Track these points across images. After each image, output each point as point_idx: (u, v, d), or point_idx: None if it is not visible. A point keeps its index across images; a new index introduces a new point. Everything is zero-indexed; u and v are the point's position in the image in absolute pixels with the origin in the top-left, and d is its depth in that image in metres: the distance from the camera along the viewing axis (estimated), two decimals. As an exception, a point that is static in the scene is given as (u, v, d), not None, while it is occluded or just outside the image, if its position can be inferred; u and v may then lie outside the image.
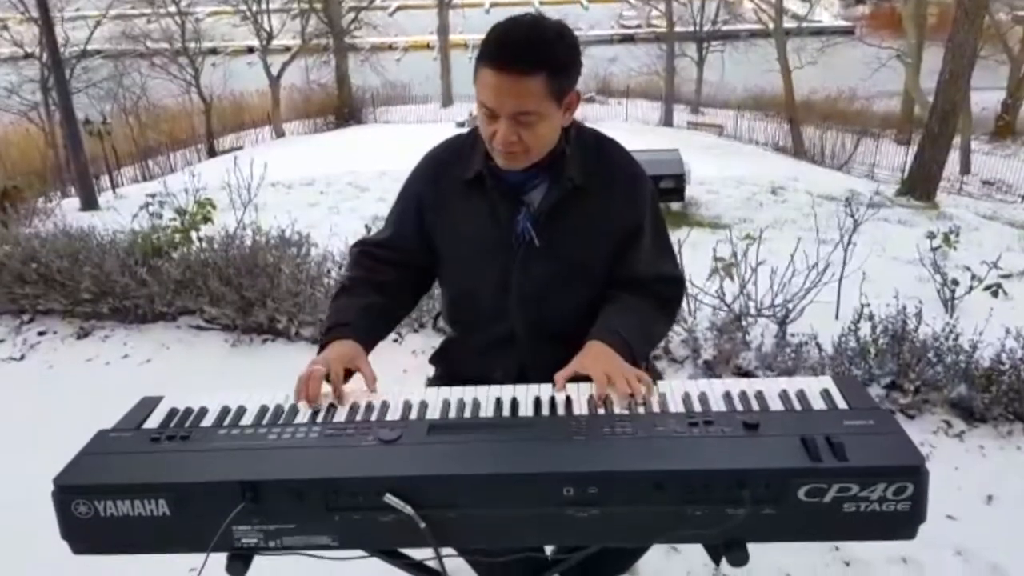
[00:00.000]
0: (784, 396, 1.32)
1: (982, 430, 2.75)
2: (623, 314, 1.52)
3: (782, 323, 3.28)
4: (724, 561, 1.20)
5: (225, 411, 1.37)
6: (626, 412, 1.30)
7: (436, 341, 3.28)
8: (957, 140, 15.38)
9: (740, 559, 1.18)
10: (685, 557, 2.14)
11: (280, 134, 24.32)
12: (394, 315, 1.65)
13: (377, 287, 1.60)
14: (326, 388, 1.40)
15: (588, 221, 1.53)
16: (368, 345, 1.52)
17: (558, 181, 1.51)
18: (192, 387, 2.98)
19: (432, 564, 1.26)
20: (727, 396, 1.33)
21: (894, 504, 1.12)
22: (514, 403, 1.35)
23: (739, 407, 1.30)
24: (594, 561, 1.44)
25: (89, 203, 11.17)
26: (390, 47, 32.60)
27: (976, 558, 2.15)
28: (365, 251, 1.67)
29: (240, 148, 22.50)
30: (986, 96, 21.03)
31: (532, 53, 1.35)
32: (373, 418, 1.33)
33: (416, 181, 1.64)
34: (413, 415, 1.33)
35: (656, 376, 1.70)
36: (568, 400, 1.35)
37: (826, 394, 1.33)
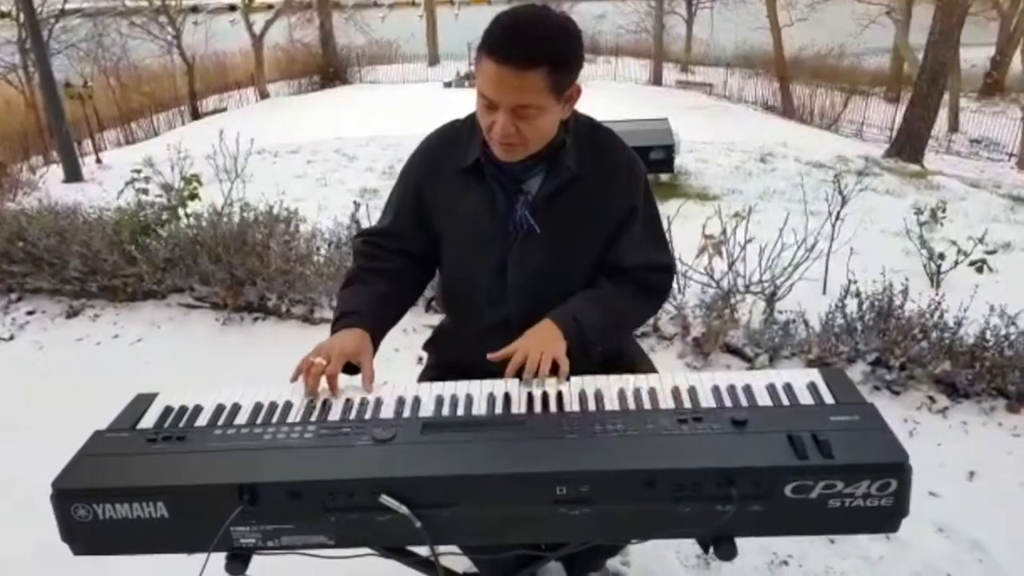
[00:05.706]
0: (772, 390, 1.34)
1: (965, 406, 2.79)
2: (589, 301, 1.54)
3: (770, 300, 3.30)
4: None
5: (220, 409, 1.38)
6: (616, 408, 1.32)
7: (427, 320, 3.31)
8: (946, 98, 15.29)
9: (728, 553, 1.22)
10: (674, 536, 2.17)
11: (264, 95, 23.87)
12: (401, 303, 1.66)
13: (383, 276, 1.61)
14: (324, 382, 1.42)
15: (585, 209, 1.54)
16: (377, 334, 1.54)
17: (556, 170, 1.52)
18: (184, 367, 3.02)
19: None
20: (715, 390, 1.35)
21: (878, 499, 1.15)
22: (507, 399, 1.36)
23: (727, 402, 1.32)
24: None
25: (73, 174, 10.90)
26: (375, 4, 32.01)
27: (958, 534, 2.18)
28: (367, 241, 1.68)
29: (224, 109, 22.14)
30: (975, 53, 20.86)
31: (534, 47, 1.34)
32: (367, 416, 1.34)
33: (414, 168, 1.63)
34: (407, 412, 1.34)
35: (640, 364, 1.73)
36: (560, 396, 1.36)
37: (813, 388, 1.35)
